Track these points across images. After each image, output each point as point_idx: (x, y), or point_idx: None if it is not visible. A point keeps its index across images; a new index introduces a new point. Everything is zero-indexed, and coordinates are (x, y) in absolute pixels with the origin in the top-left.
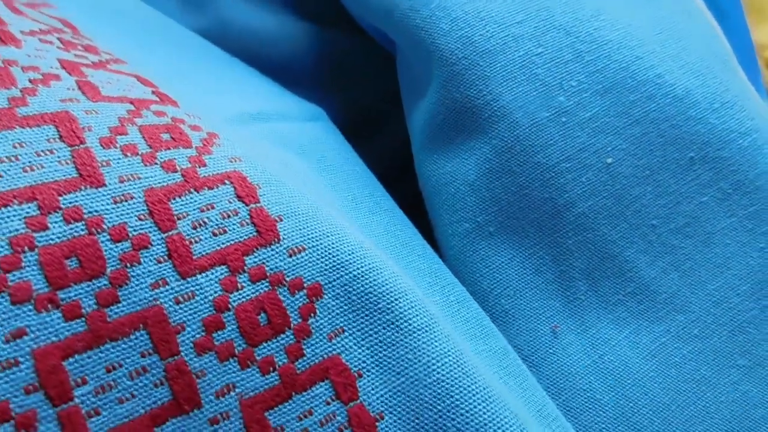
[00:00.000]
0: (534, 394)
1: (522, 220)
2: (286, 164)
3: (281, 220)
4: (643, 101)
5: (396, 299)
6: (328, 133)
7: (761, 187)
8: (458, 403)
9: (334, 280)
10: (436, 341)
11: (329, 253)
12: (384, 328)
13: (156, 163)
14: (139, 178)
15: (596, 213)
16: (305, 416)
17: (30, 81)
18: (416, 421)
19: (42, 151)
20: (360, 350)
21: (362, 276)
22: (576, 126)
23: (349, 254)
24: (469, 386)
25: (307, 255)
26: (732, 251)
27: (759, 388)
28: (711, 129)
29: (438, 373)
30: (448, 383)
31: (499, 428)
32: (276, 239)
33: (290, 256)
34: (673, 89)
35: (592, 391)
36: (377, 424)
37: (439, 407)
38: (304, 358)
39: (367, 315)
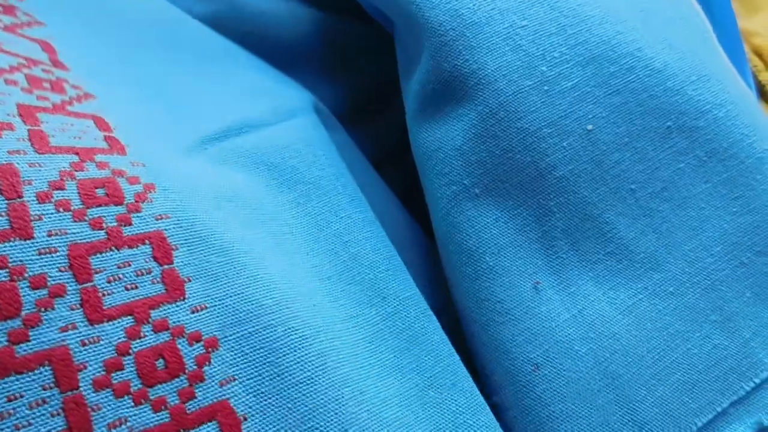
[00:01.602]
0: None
1: (506, 183)
2: (230, 200)
3: (189, 281)
4: (623, 73)
5: (285, 354)
6: (304, 131)
7: (735, 155)
8: None
9: (230, 335)
10: (315, 393)
11: (229, 312)
12: (270, 380)
13: (85, 220)
14: (66, 234)
15: (577, 176)
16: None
17: None
18: None
19: None
20: (247, 397)
21: (257, 333)
22: (558, 94)
23: (249, 312)
24: None
25: (207, 312)
26: (707, 215)
27: (730, 341)
28: (687, 100)
29: (313, 421)
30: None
31: None
32: (182, 297)
33: (192, 312)
34: (652, 62)
35: (571, 342)
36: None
37: None
38: (195, 400)
39: (256, 367)
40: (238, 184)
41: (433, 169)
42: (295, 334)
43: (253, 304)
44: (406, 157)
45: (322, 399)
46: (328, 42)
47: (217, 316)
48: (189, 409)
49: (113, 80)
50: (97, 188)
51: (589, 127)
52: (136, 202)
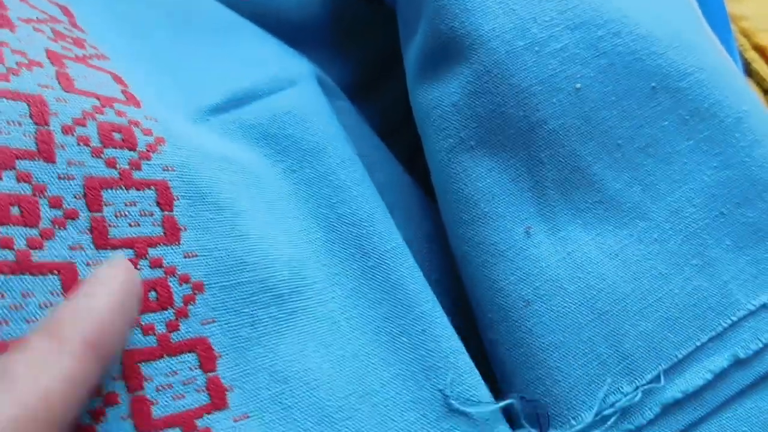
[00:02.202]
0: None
1: (500, 135)
2: (230, 164)
3: (185, 230)
4: (610, 37)
5: (259, 308)
6: (302, 99)
7: (715, 114)
8: (289, 388)
9: (215, 283)
10: (282, 344)
11: (216, 263)
12: (244, 327)
13: (101, 158)
14: (84, 165)
15: (566, 130)
16: (172, 374)
17: (17, 63)
18: (258, 397)
19: (13, 121)
20: (224, 338)
21: (238, 286)
22: (548, 55)
23: (232, 267)
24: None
25: (198, 260)
26: (689, 169)
27: (710, 283)
28: (671, 63)
29: (278, 366)
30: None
31: None
32: (177, 242)
33: (185, 257)
34: (637, 28)
35: (560, 281)
36: (227, 393)
37: (274, 389)
38: (179, 332)
39: (234, 314)
40: (237, 153)
41: (431, 125)
42: (271, 292)
43: (236, 260)
44: (408, 127)
45: (288, 350)
46: (337, 19)
47: (206, 265)
48: (173, 339)
49: (123, 51)
50: (114, 132)
51: (578, 85)
52: (147, 151)
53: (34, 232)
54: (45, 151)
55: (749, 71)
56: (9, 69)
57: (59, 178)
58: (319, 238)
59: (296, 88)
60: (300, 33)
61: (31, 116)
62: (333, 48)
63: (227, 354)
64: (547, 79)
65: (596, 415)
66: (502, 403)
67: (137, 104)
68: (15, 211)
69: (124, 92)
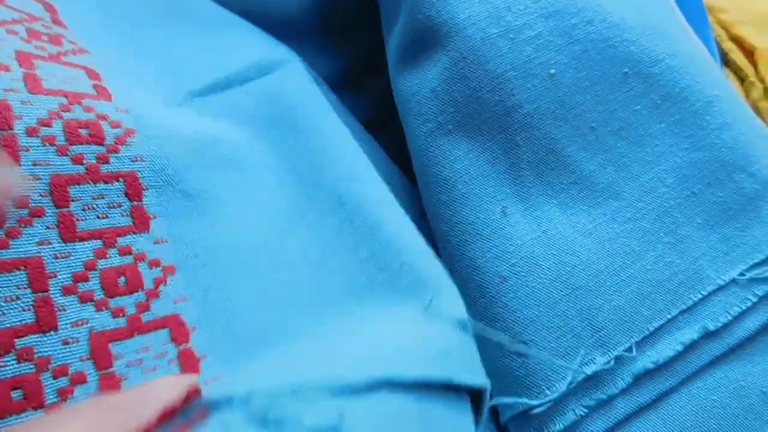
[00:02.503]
0: None
1: (476, 119)
2: (211, 144)
3: (155, 218)
4: (583, 24)
5: (232, 288)
6: (283, 81)
7: (686, 98)
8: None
9: (186, 266)
10: (252, 317)
11: (188, 248)
12: (218, 302)
13: (67, 155)
14: (49, 165)
15: (541, 114)
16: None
17: None
18: (233, 360)
19: None
20: (197, 313)
21: (210, 266)
22: (522, 42)
23: (204, 249)
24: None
25: (168, 245)
26: (661, 150)
27: (680, 259)
28: (643, 50)
29: (246, 331)
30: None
31: None
32: (146, 230)
33: (155, 243)
34: (611, 16)
35: (535, 258)
36: (201, 361)
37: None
38: (150, 312)
39: (205, 291)
40: (218, 133)
41: (411, 111)
42: (245, 277)
43: (209, 242)
44: (393, 120)
45: (260, 320)
46: (325, 15)
47: (177, 250)
48: (144, 319)
49: (109, 40)
50: (81, 128)
51: (552, 71)
52: (115, 143)
53: None
54: (9, 155)
55: (726, 61)
56: None
57: (23, 179)
58: (301, 202)
59: (281, 71)
60: (288, 29)
61: None
62: (322, 44)
63: (201, 327)
64: (522, 65)
65: (570, 384)
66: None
67: (108, 97)
68: None
69: (95, 86)
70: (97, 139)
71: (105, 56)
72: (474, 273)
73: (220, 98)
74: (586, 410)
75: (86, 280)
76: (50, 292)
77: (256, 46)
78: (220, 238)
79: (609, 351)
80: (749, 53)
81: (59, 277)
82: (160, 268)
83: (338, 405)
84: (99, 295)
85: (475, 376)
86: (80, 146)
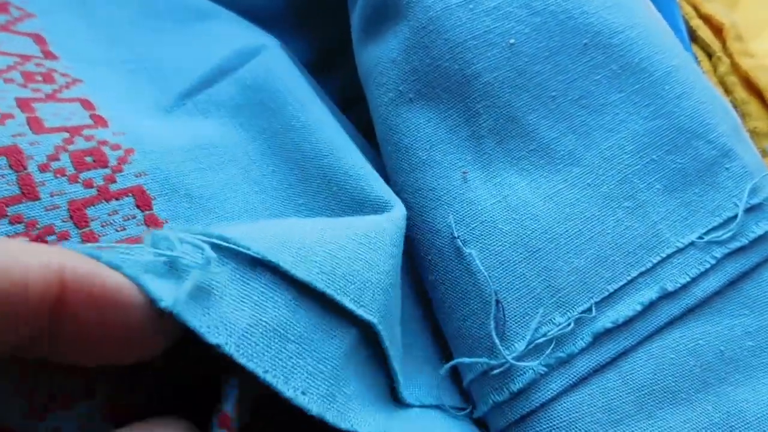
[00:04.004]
0: None
1: (436, 88)
2: (205, 147)
3: (167, 222)
4: None
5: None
6: (266, 64)
7: (645, 69)
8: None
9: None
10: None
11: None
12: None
13: (78, 182)
14: (65, 193)
15: (501, 83)
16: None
17: None
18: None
19: None
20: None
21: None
22: (482, 12)
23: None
24: None
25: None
26: (621, 119)
27: (640, 223)
28: (603, 21)
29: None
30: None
31: None
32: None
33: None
34: None
35: (495, 222)
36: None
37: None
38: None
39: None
40: (211, 132)
41: (373, 82)
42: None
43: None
44: (362, 103)
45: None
46: (294, 2)
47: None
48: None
49: (98, 60)
50: (86, 156)
51: (512, 41)
52: (118, 164)
53: None
54: (28, 192)
55: (695, 37)
56: None
57: (46, 210)
58: (291, 182)
59: (260, 56)
60: (259, 15)
61: (10, 166)
62: (292, 30)
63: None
64: (481, 35)
65: (529, 344)
66: None
67: (104, 124)
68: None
69: (92, 116)
70: (102, 162)
71: (97, 82)
72: (435, 238)
73: (209, 95)
74: (545, 369)
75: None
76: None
77: (235, 34)
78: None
79: (568, 311)
80: (717, 30)
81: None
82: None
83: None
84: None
85: (363, 308)
86: (88, 172)
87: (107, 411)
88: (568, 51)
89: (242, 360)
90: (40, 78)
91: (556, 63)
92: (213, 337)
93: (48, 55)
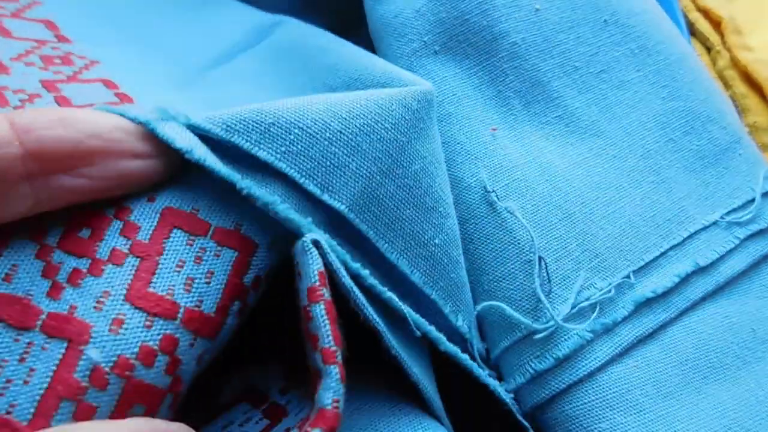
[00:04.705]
0: None
1: (463, 43)
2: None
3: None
4: None
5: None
6: (283, 38)
7: (660, 52)
8: None
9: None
10: None
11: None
12: None
13: None
14: None
15: (528, 45)
16: None
17: (20, 101)
18: None
19: None
20: None
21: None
22: None
23: None
24: None
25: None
26: (640, 97)
27: (666, 198)
28: (620, 2)
29: None
30: None
31: None
32: None
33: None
34: None
35: (528, 180)
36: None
37: None
38: None
39: None
40: (233, 98)
41: (392, 34)
42: None
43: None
44: None
45: None
46: None
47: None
48: None
49: (112, 43)
50: None
51: (538, 6)
52: None
53: None
54: None
55: (693, 31)
56: (15, 108)
57: None
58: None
59: (279, 30)
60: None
61: None
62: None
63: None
64: None
65: (573, 307)
66: None
67: (130, 101)
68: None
69: (117, 95)
70: None
71: (114, 63)
72: (465, 193)
73: (229, 68)
74: (591, 335)
75: None
76: None
77: (249, 15)
78: None
79: (608, 276)
80: (716, 24)
81: None
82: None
83: None
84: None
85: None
86: None
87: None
88: (589, 24)
89: None
90: (59, 61)
91: (578, 34)
92: None
93: (62, 38)
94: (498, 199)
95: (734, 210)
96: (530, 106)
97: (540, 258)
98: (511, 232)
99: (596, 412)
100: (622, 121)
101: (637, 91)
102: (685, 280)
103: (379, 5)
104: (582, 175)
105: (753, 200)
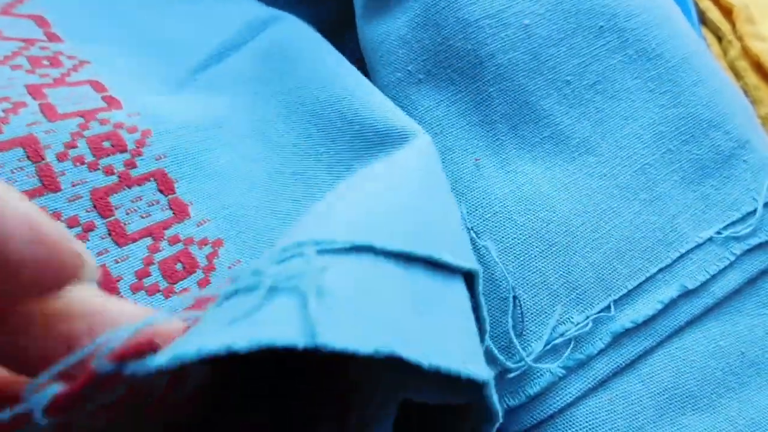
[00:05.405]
0: None
1: (447, 69)
2: (220, 125)
3: (192, 204)
4: None
5: (272, 235)
6: (277, 35)
7: (661, 55)
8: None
9: (232, 235)
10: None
11: (228, 220)
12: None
13: (98, 169)
14: (86, 182)
15: (515, 65)
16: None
17: (3, 111)
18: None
19: (15, 168)
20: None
21: (250, 228)
22: None
23: (243, 216)
24: None
25: (211, 224)
26: (637, 106)
27: (657, 216)
28: (619, 4)
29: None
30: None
31: None
32: (188, 217)
33: (198, 226)
34: None
35: (509, 213)
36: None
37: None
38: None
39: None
40: (226, 106)
41: (379, 60)
42: (289, 217)
43: (245, 208)
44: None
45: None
46: None
47: (219, 224)
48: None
49: (104, 39)
50: (103, 141)
51: (526, 21)
52: (137, 147)
53: None
54: (49, 184)
55: (704, 20)
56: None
57: (68, 201)
58: (311, 133)
59: (271, 27)
60: None
61: (28, 157)
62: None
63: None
64: (496, 14)
65: (546, 344)
66: None
67: (118, 106)
68: None
69: (104, 98)
70: (120, 147)
71: (105, 62)
72: None
73: (221, 69)
74: (564, 372)
75: (149, 275)
76: (119, 283)
77: (243, 8)
78: (250, 202)
79: (586, 309)
80: (727, 12)
81: (124, 279)
82: (209, 244)
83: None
84: (163, 285)
85: (462, 259)
86: (107, 158)
87: None
88: (583, 33)
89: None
90: (46, 62)
91: (571, 46)
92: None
93: (52, 37)
94: (477, 235)
95: (733, 223)
96: (517, 129)
97: (514, 297)
98: (488, 269)
99: None
100: (616, 134)
101: (634, 100)
102: (670, 305)
103: (368, 27)
104: (568, 200)
105: (754, 211)
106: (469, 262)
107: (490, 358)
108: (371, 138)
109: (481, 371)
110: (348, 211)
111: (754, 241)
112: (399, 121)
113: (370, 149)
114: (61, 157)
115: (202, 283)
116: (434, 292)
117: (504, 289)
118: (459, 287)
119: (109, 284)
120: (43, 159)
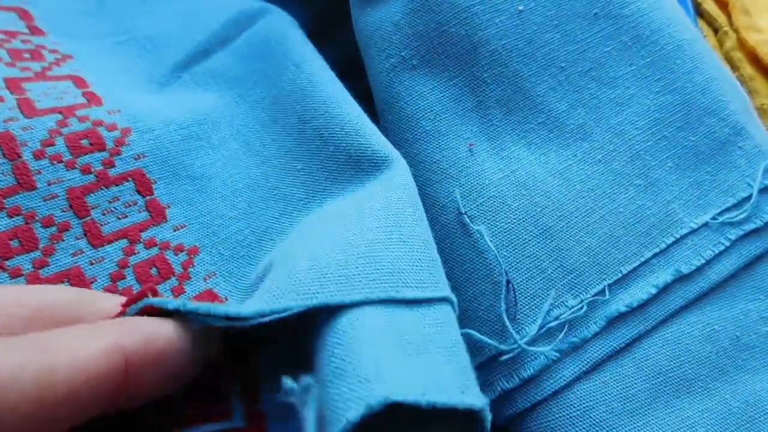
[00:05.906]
0: None
1: (441, 55)
2: (202, 123)
3: (169, 207)
4: None
5: (254, 253)
6: (263, 34)
7: (656, 41)
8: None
9: (208, 244)
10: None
11: (204, 227)
12: (244, 269)
13: (76, 168)
14: (62, 181)
15: (509, 51)
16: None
17: None
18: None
19: None
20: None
21: (229, 237)
22: None
23: (220, 225)
24: None
25: (187, 229)
26: (632, 93)
27: (652, 202)
28: None
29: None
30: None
31: None
32: (164, 220)
33: (174, 231)
34: None
35: (503, 198)
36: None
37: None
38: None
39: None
40: (209, 106)
41: (373, 47)
42: (266, 235)
43: (222, 218)
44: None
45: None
46: None
47: (195, 231)
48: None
49: (88, 34)
50: (81, 139)
51: (520, 7)
52: (116, 146)
53: (36, 254)
54: (25, 182)
55: (700, 11)
56: None
57: (44, 200)
58: (290, 147)
59: (258, 24)
60: None
61: (4, 155)
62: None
63: (233, 296)
64: (490, 0)
65: (540, 328)
66: None
67: (98, 102)
68: (15, 243)
69: (84, 94)
70: (99, 146)
71: (88, 57)
72: (439, 213)
73: (206, 67)
74: (558, 355)
75: (123, 278)
76: (93, 285)
77: (229, 1)
78: (229, 212)
79: (581, 293)
80: (723, 4)
81: (98, 281)
82: (185, 252)
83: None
84: (137, 288)
85: (431, 289)
86: (85, 156)
87: None
88: (578, 20)
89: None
90: (28, 55)
91: (565, 32)
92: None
93: (35, 30)
94: (470, 220)
95: (728, 209)
96: (511, 115)
97: (508, 281)
98: (481, 254)
99: (560, 429)
100: (611, 120)
101: (629, 87)
102: (664, 289)
103: (362, 14)
104: (562, 185)
105: (750, 197)
106: (440, 291)
107: (481, 344)
108: (345, 161)
109: (476, 399)
110: (316, 263)
111: (749, 226)
112: (374, 145)
113: (344, 173)
114: (37, 155)
115: (176, 291)
116: (416, 327)
117: (497, 274)
118: (442, 314)
119: (82, 286)
120: (19, 157)
